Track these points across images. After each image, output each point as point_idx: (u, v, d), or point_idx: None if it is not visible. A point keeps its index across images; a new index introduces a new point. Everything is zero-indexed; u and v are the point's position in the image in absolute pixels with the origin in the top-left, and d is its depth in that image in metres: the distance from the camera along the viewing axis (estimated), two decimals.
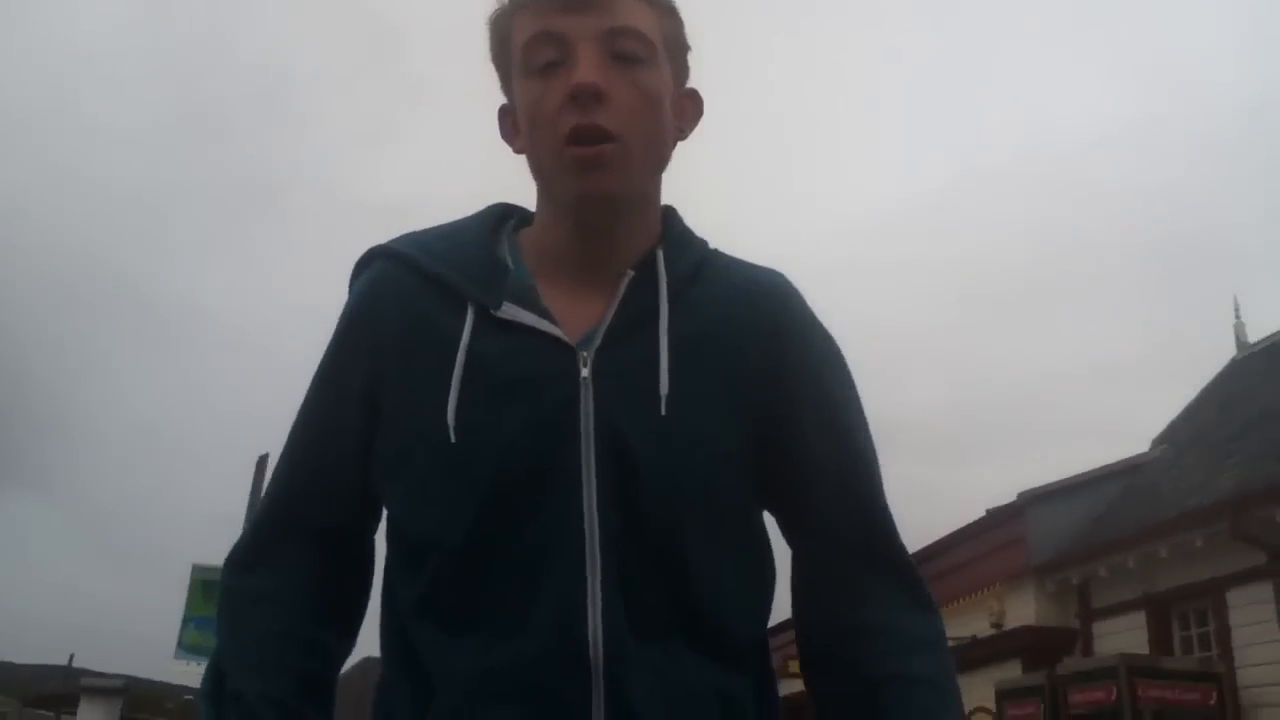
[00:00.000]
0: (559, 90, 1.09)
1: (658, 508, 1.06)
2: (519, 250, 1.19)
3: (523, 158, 1.19)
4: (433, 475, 1.08)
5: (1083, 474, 12.27)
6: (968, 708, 9.21)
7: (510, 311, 1.11)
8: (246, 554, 1.18)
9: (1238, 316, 14.57)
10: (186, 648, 17.38)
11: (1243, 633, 9.31)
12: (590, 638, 1.01)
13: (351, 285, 1.22)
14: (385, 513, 1.17)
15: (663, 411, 1.07)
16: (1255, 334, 14.22)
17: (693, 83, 1.24)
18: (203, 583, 17.88)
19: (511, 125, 1.21)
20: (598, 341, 1.10)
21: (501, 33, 1.18)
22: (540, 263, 1.17)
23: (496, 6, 1.18)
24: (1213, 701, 8.98)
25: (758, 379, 1.14)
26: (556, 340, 1.09)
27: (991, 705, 10.40)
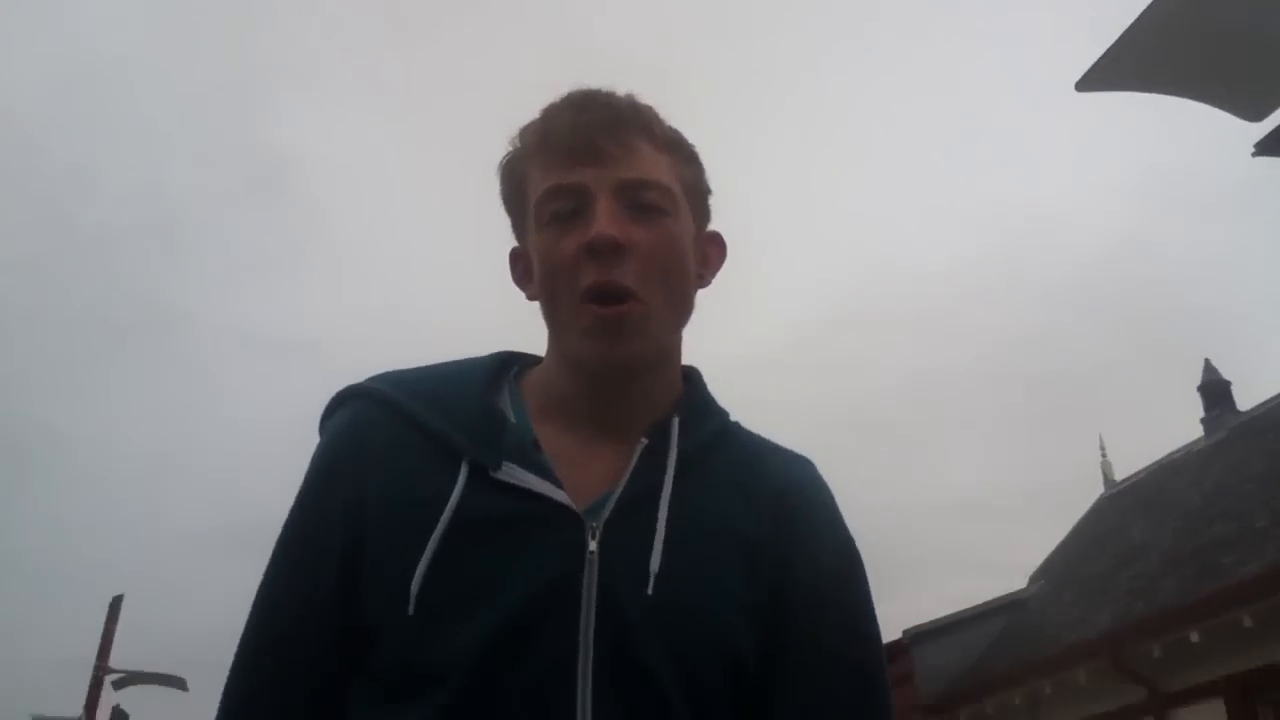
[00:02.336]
0: (576, 242, 1.05)
1: (655, 705, 0.97)
2: (521, 399, 1.12)
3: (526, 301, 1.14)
4: (398, 658, 0.97)
5: (966, 610, 12.44)
6: None
7: (510, 473, 1.02)
8: None
9: (1104, 455, 15.27)
10: None
11: None
12: None
13: (322, 428, 1.12)
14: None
15: (649, 591, 0.99)
16: (1120, 472, 14.89)
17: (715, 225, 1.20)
18: None
19: (524, 271, 1.16)
20: (607, 514, 1.02)
21: (515, 177, 1.14)
22: (546, 412, 1.10)
23: (509, 150, 1.14)
24: None
25: (763, 568, 1.06)
26: (563, 508, 1.01)
27: None
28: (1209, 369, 14.26)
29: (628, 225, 1.05)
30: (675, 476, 1.06)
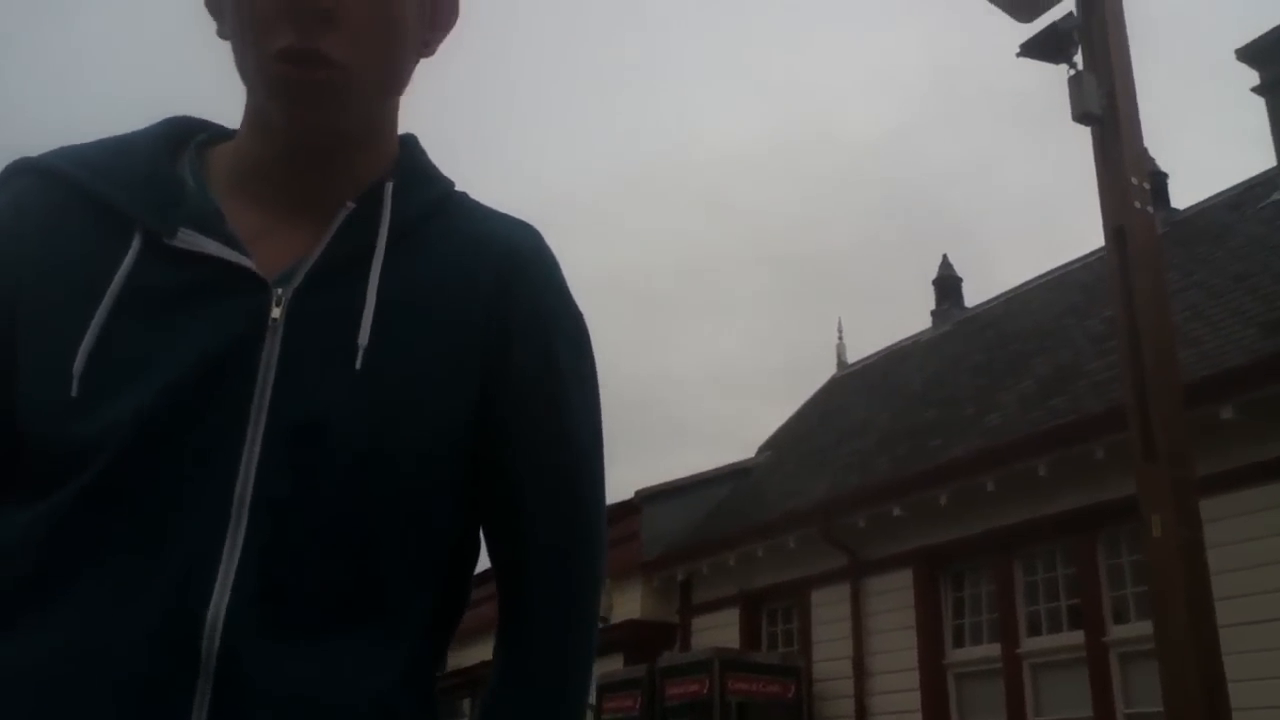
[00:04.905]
0: None
1: (339, 477, 0.90)
2: (205, 169, 1.01)
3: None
4: (48, 446, 0.88)
5: (695, 475, 12.89)
6: None
7: (188, 239, 0.92)
8: None
9: (840, 338, 16.00)
10: None
11: (821, 629, 10.10)
12: (208, 625, 0.83)
13: None
14: None
15: (357, 366, 0.92)
16: (853, 355, 15.67)
17: None
18: None
19: None
20: (298, 280, 0.93)
21: None
22: (237, 182, 0.99)
23: None
24: (791, 694, 9.66)
25: (477, 344, 0.99)
26: (245, 272, 0.92)
27: (592, 698, 10.57)
28: (945, 264, 15.08)
29: None
30: (388, 245, 0.97)
